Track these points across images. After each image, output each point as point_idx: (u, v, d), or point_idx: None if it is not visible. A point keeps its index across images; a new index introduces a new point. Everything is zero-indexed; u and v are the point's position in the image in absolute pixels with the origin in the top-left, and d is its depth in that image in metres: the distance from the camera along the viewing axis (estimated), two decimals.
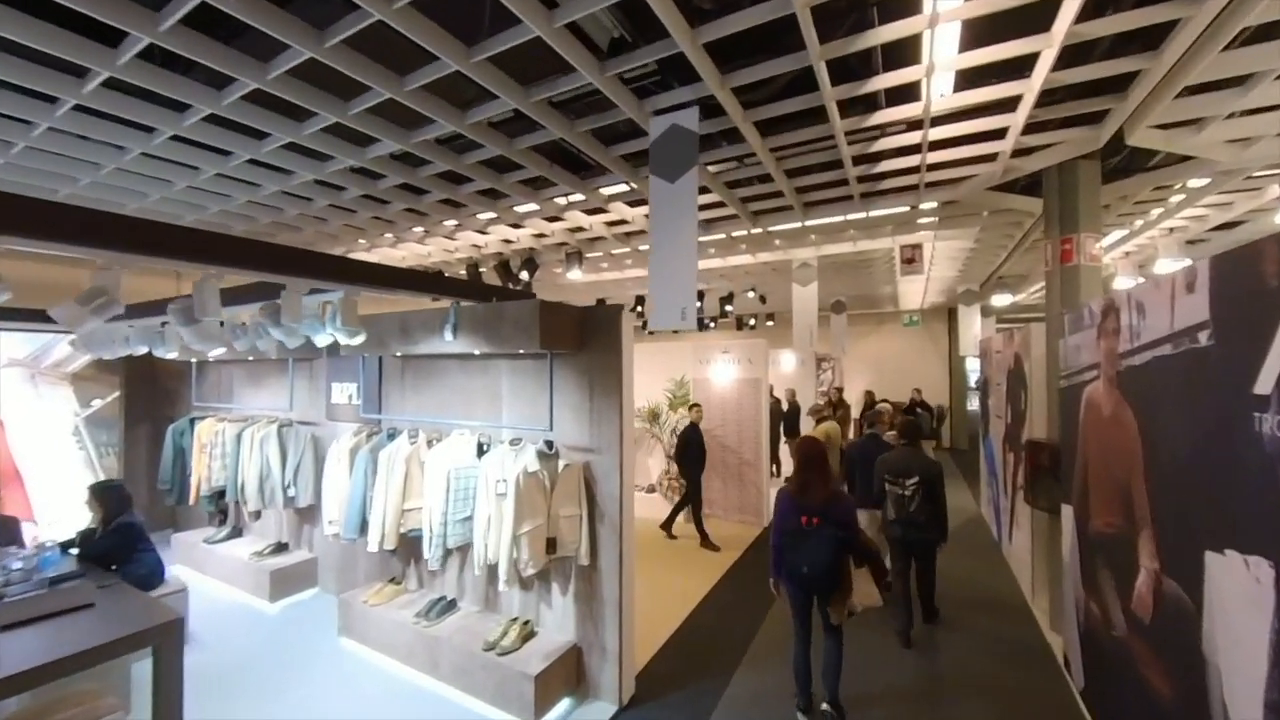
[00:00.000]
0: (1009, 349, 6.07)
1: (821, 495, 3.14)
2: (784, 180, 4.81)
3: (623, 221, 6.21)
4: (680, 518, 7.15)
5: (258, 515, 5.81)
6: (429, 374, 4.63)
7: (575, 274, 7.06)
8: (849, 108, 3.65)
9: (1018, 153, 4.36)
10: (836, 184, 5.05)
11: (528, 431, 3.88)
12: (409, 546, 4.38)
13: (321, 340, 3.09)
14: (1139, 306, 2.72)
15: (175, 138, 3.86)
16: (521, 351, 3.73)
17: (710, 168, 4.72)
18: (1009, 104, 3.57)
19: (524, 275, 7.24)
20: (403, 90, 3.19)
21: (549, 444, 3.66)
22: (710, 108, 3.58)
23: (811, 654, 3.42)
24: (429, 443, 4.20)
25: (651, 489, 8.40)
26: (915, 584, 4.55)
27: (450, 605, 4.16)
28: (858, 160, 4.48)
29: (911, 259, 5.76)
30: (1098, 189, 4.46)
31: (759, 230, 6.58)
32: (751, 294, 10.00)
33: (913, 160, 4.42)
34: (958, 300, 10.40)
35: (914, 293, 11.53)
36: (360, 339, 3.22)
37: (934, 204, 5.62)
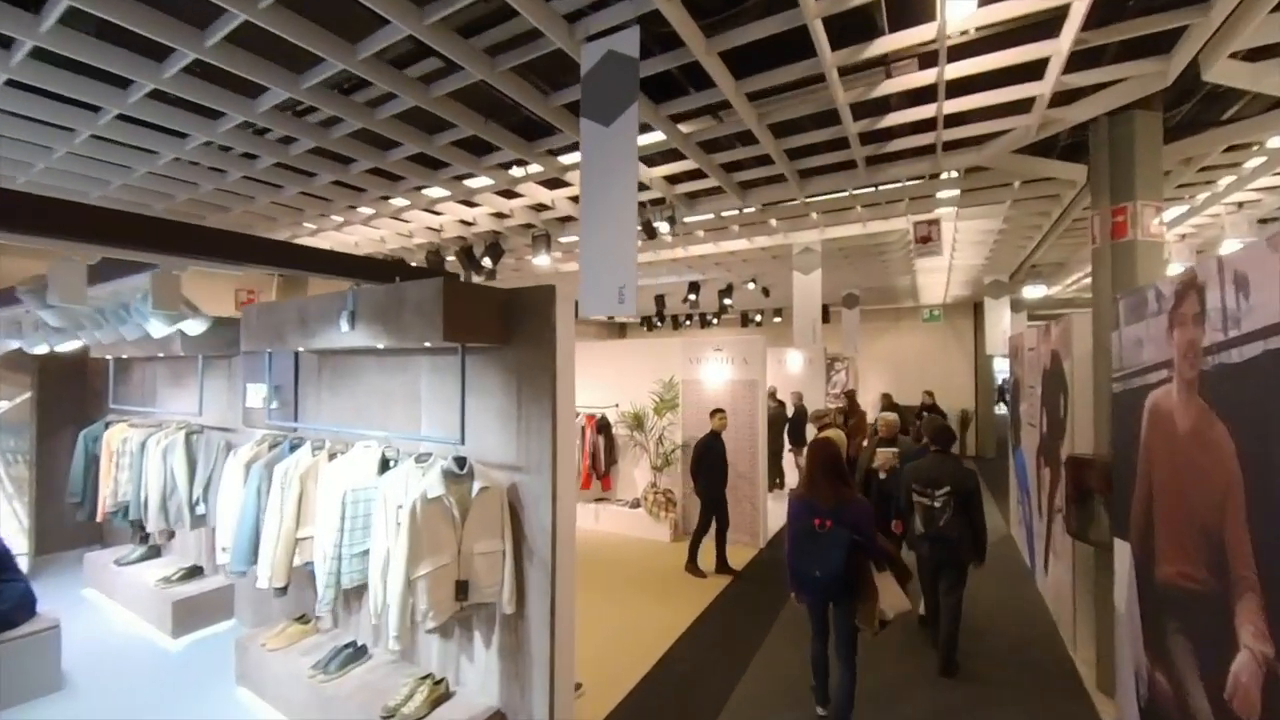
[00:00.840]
0: (1045, 345, 5.31)
1: (833, 496, 3.05)
2: (771, 141, 4.11)
3: None
4: (658, 527, 6.47)
5: (171, 534, 5.24)
6: (346, 373, 4.01)
7: (544, 259, 6.41)
8: (842, 34, 2.95)
9: (1058, 99, 3.63)
10: (835, 145, 4.34)
11: (440, 445, 3.24)
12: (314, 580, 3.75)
13: (155, 329, 2.47)
14: (1239, 281, 1.99)
15: (13, 84, 3.27)
16: (428, 345, 3.09)
17: (681, 126, 4.04)
18: (1050, 25, 2.85)
19: (486, 262, 6.61)
20: (258, 8, 2.56)
21: (459, 461, 3.00)
22: (665, 37, 2.91)
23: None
24: (331, 456, 3.58)
25: (636, 504, 7.73)
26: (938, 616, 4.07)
27: (358, 653, 3.53)
28: (859, 111, 3.78)
29: (927, 237, 5.02)
30: (1158, 146, 3.71)
31: (752, 209, 5.89)
32: (752, 286, 9.29)
33: (927, 110, 3.70)
34: (984, 293, 9.59)
35: (935, 284, 10.73)
36: (196, 327, 2.61)
37: (954, 174, 4.89)
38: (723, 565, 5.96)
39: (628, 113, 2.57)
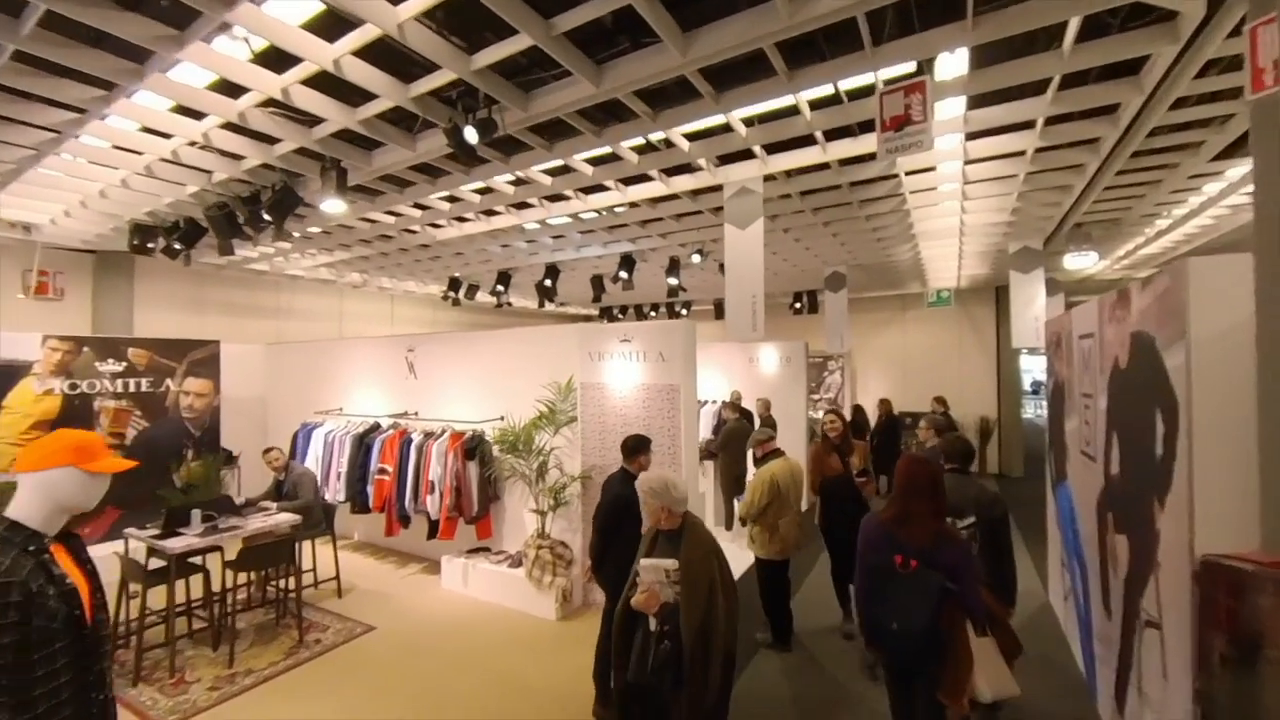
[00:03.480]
0: (1116, 326, 3.22)
1: (928, 530, 2.45)
2: None
3: (359, 94, 3.51)
4: (541, 598, 4.36)
5: None
6: None
7: (335, 203, 4.40)
8: None
9: None
10: None
11: None
12: None
13: None
14: None
15: None
16: None
17: None
18: None
19: (266, 216, 4.61)
20: None
21: None
22: None
23: None
24: None
25: (516, 562, 5.68)
26: None
27: None
28: None
29: (904, 117, 2.88)
30: None
31: (640, 113, 3.83)
32: (698, 259, 7.21)
33: None
34: (1009, 266, 7.46)
35: (944, 258, 8.60)
36: None
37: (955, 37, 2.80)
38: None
39: None
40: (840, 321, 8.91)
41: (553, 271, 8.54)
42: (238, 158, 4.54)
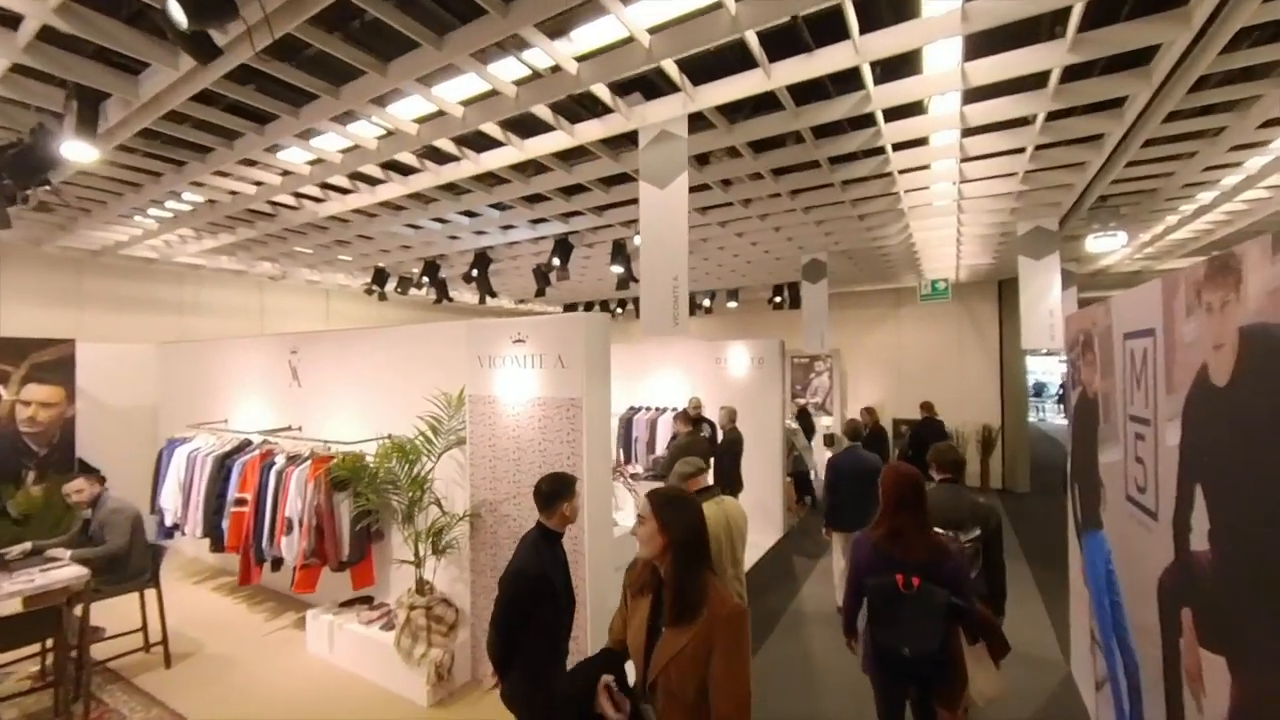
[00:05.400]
0: (1211, 316, 1.98)
1: (923, 544, 2.40)
2: None
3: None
4: (410, 675, 3.13)
5: None
6: None
7: (83, 150, 3.15)
8: None
9: None
10: None
11: None
12: None
13: None
14: None
15: None
16: None
17: None
18: None
19: (20, 191, 3.36)
20: None
21: None
22: None
23: None
24: None
25: (388, 623, 4.44)
26: None
27: None
28: None
29: None
30: None
31: (482, 2, 2.59)
32: (639, 239, 5.95)
33: None
34: (1017, 253, 6.20)
35: (941, 242, 7.35)
36: None
37: None
38: None
39: None
40: (820, 317, 7.67)
41: (482, 261, 7.30)
42: None
